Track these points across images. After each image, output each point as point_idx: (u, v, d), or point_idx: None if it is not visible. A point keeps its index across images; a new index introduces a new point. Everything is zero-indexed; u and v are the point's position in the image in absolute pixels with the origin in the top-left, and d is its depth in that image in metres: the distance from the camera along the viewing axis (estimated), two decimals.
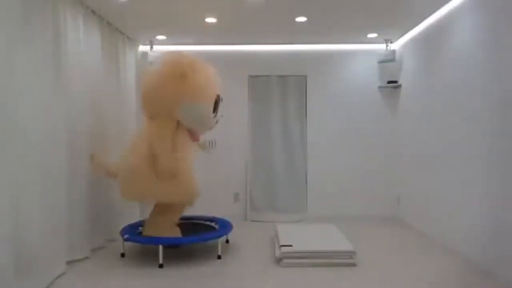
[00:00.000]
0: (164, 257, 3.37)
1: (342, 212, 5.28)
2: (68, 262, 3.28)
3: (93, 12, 3.92)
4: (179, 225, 3.70)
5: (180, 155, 3.42)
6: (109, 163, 3.70)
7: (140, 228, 3.87)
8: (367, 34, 4.97)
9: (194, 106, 3.44)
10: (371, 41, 5.20)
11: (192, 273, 3.25)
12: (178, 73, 3.34)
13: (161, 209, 3.66)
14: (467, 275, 3.20)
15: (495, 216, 3.15)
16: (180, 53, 3.57)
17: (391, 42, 5.25)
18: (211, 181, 5.27)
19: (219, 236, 3.66)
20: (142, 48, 5.35)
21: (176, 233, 3.57)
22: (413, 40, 4.83)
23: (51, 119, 3.08)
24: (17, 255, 2.59)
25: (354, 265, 3.35)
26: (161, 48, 5.32)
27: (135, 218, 4.78)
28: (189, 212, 3.91)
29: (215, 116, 3.68)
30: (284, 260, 3.38)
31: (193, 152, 3.70)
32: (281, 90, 5.48)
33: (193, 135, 3.69)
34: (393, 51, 5.18)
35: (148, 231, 3.60)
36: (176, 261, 3.47)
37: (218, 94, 3.65)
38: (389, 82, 5.33)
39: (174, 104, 3.39)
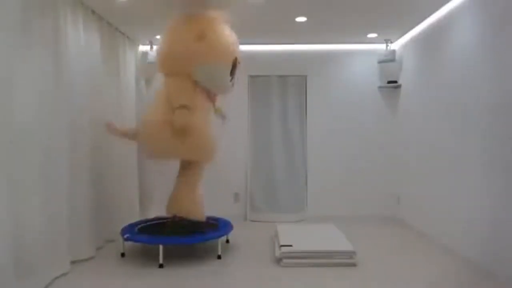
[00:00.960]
0: (164, 257, 3.37)
1: (342, 212, 5.29)
2: (71, 262, 3.29)
3: (93, 12, 3.92)
4: (180, 224, 3.70)
5: (195, 111, 3.38)
6: (126, 127, 3.76)
7: (137, 227, 3.89)
8: (367, 34, 4.97)
9: (210, 67, 3.39)
10: (371, 41, 5.20)
11: (192, 273, 3.25)
12: (197, 32, 3.29)
13: (183, 182, 3.67)
14: (467, 275, 3.20)
15: (495, 216, 3.15)
16: (200, 11, 3.51)
17: (391, 42, 5.26)
18: (211, 181, 5.29)
19: (219, 236, 3.65)
20: (142, 48, 5.35)
21: (200, 210, 3.64)
22: (413, 40, 4.83)
23: (51, 119, 3.08)
24: (17, 255, 2.60)
25: (354, 265, 3.35)
26: None
27: (135, 218, 4.79)
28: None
29: (231, 79, 3.63)
30: (284, 260, 3.38)
31: (210, 112, 3.70)
32: (281, 90, 5.48)
33: (210, 95, 3.64)
34: (393, 51, 5.19)
35: (172, 209, 3.62)
36: (176, 261, 3.47)
37: (236, 57, 3.60)
38: (389, 82, 5.33)
39: (191, 64, 3.35)
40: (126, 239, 3.55)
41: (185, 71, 3.38)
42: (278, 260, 3.41)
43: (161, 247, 3.36)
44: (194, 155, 3.48)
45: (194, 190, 3.74)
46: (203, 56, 3.34)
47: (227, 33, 3.53)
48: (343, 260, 3.37)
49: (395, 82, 5.28)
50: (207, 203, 5.28)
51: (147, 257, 3.56)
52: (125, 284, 3.08)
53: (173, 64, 3.44)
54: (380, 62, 5.28)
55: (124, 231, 3.68)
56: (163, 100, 3.43)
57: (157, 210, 5.32)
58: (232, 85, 3.75)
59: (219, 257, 3.57)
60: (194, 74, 3.38)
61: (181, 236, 3.58)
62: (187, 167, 3.77)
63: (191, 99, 3.36)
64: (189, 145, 3.37)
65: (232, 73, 3.59)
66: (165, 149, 3.42)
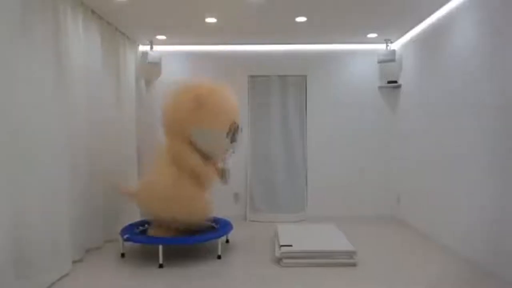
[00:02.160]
0: (164, 257, 3.37)
1: (342, 212, 5.29)
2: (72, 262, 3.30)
3: (93, 12, 3.92)
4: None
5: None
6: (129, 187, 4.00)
7: (139, 228, 3.88)
8: (367, 34, 4.97)
9: (204, 132, 3.59)
10: (371, 41, 5.20)
11: (192, 273, 3.25)
12: (194, 102, 3.52)
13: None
14: (467, 275, 3.20)
15: (495, 215, 3.14)
16: (200, 82, 3.76)
17: (391, 42, 5.26)
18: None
19: (219, 236, 3.65)
20: (142, 48, 5.35)
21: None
22: (413, 40, 4.83)
23: (51, 119, 3.07)
24: (19, 256, 2.61)
25: (354, 265, 3.35)
26: (161, 48, 5.34)
27: (135, 219, 4.79)
28: None
29: (232, 143, 3.79)
30: (284, 260, 3.38)
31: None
32: (281, 90, 5.48)
33: (208, 159, 3.76)
34: (393, 51, 5.18)
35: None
36: (176, 261, 3.47)
37: (234, 122, 3.74)
38: (389, 82, 5.33)
39: (190, 127, 3.58)
40: (126, 240, 3.54)
41: (185, 134, 3.61)
42: (278, 260, 3.41)
43: (160, 247, 3.36)
44: (188, 218, 3.60)
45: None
46: (199, 122, 3.55)
47: (225, 102, 3.73)
48: (343, 260, 3.37)
49: (395, 82, 5.28)
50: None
51: (147, 257, 3.56)
52: (125, 284, 3.07)
53: (176, 128, 3.66)
54: (380, 62, 5.28)
55: (123, 231, 3.68)
56: (166, 164, 3.64)
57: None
58: (233, 151, 3.92)
59: (219, 257, 3.57)
60: (191, 136, 3.60)
61: (181, 236, 3.58)
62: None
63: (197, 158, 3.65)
64: (191, 210, 3.57)
65: (232, 138, 3.76)
66: (164, 211, 3.55)
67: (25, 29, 2.79)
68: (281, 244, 3.52)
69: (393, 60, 5.18)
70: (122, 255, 3.64)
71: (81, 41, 3.62)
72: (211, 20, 4.33)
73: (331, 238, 3.79)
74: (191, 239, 3.66)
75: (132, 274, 3.25)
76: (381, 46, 5.29)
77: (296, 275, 3.18)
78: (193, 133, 3.58)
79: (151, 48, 5.25)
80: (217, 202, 5.02)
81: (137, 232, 3.78)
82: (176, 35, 5.01)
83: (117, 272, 3.32)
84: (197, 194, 3.65)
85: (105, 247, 3.94)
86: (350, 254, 3.40)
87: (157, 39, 5.11)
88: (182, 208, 3.50)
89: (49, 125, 3.05)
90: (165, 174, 3.57)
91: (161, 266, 3.34)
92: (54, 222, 3.06)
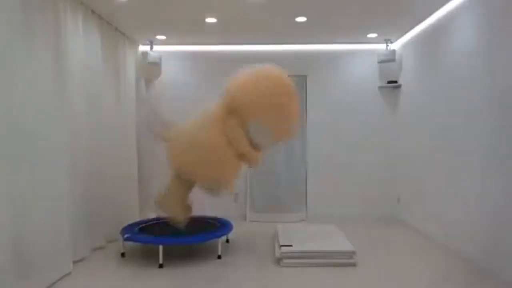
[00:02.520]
0: (164, 257, 3.37)
1: (342, 212, 5.29)
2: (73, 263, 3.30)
3: (93, 12, 3.92)
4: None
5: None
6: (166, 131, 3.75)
7: (137, 227, 3.89)
8: (367, 34, 4.96)
9: (264, 131, 3.44)
10: (371, 41, 5.20)
11: (192, 273, 3.24)
12: (284, 91, 3.41)
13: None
14: (467, 275, 3.20)
15: (495, 216, 3.14)
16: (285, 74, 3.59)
17: (391, 42, 5.25)
18: None
19: (219, 236, 3.65)
20: (142, 48, 5.34)
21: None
22: (413, 40, 4.83)
23: (51, 119, 3.07)
24: (19, 256, 2.62)
25: (354, 265, 3.35)
26: (161, 48, 5.34)
27: (135, 218, 4.79)
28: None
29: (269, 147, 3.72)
30: (284, 260, 3.38)
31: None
32: None
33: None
34: (393, 51, 5.18)
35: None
36: (176, 261, 3.47)
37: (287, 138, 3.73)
38: (389, 82, 5.33)
39: (251, 114, 3.39)
40: (126, 239, 3.54)
41: (244, 117, 3.40)
42: (278, 260, 3.41)
43: (161, 247, 3.36)
44: (216, 181, 3.52)
45: None
46: (267, 119, 3.38)
47: (297, 113, 3.63)
48: (343, 260, 3.37)
49: (395, 82, 5.28)
50: (207, 203, 5.30)
51: (147, 257, 3.56)
52: (125, 284, 3.07)
53: (241, 106, 3.43)
54: (380, 62, 5.27)
55: (124, 231, 3.68)
56: (215, 126, 3.48)
57: (156, 212, 5.33)
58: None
59: (219, 257, 3.56)
60: (249, 123, 3.40)
61: (181, 236, 3.58)
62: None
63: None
64: (218, 172, 3.47)
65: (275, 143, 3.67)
66: (196, 164, 3.44)
67: (24, 29, 2.79)
68: (281, 244, 3.52)
69: (393, 60, 5.17)
70: (122, 254, 3.64)
71: (81, 41, 3.62)
72: (211, 20, 4.32)
73: (331, 238, 3.79)
74: (191, 239, 3.66)
75: (132, 274, 3.25)
76: (381, 46, 5.28)
77: (296, 275, 3.18)
78: (252, 124, 3.38)
79: (151, 48, 5.25)
80: (217, 202, 5.05)
81: (136, 231, 3.77)
82: (176, 35, 5.00)
83: (117, 272, 3.31)
84: (234, 164, 3.53)
85: (107, 247, 3.94)
86: (350, 254, 3.40)
87: (157, 39, 5.10)
88: (216, 169, 3.40)
89: (48, 126, 3.04)
90: (212, 132, 3.41)
91: (161, 266, 3.34)
92: (55, 223, 3.06)
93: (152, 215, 5.14)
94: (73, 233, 3.34)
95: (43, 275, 2.87)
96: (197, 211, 3.89)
